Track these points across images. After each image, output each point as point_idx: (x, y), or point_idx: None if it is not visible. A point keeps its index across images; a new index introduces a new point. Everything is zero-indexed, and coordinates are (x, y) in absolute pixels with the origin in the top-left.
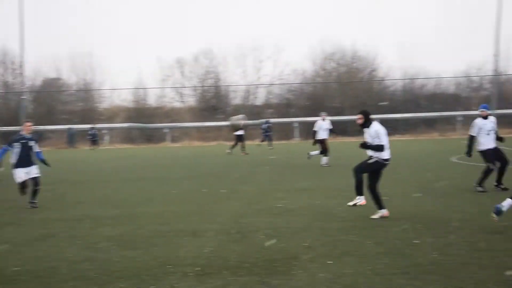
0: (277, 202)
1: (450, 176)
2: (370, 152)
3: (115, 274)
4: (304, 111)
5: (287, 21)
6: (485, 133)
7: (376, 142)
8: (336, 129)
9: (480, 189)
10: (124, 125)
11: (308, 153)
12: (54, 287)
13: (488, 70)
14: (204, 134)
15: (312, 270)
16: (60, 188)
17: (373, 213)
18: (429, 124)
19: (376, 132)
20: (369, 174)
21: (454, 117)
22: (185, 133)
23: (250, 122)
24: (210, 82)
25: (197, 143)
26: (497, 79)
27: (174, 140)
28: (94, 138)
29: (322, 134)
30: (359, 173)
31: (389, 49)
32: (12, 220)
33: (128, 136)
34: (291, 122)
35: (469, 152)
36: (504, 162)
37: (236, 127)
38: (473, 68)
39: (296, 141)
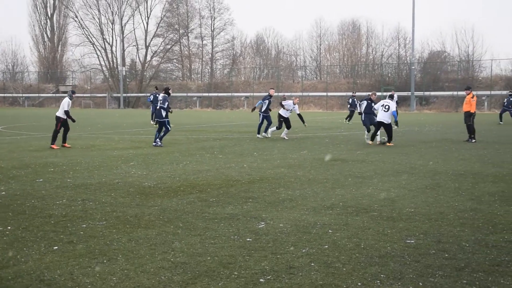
0: None
1: None
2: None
3: (499, 226)
4: None
5: None
6: None
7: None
8: None
9: None
10: (503, 93)
11: None
12: (444, 226)
13: None
14: None
15: None
16: (447, 145)
17: None
18: None
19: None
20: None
21: None
22: None
23: None
24: None
25: None
26: None
27: None
28: None
29: None
30: None
31: None
32: (406, 170)
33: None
34: None
35: None
36: None
37: None
38: None
39: None
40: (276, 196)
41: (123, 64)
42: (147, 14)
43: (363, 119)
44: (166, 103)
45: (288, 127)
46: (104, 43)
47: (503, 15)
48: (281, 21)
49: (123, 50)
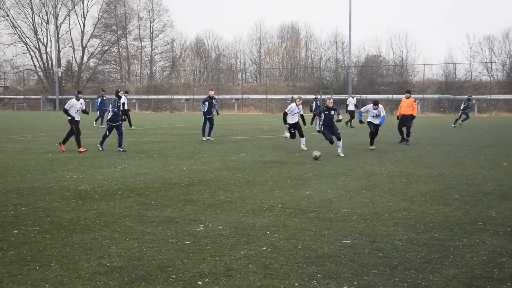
0: None
1: None
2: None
3: (430, 225)
4: None
5: None
6: None
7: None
8: None
9: None
10: (434, 96)
11: None
12: (379, 226)
13: None
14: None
15: None
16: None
17: None
18: None
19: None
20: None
21: None
22: (493, 105)
23: None
24: None
25: (504, 115)
26: None
27: (480, 111)
28: None
29: None
30: None
31: None
32: (343, 171)
33: (438, 106)
34: None
35: None
36: None
37: None
38: None
39: None
40: (215, 199)
41: (59, 66)
42: (84, 15)
43: (323, 131)
44: (114, 106)
45: (301, 135)
46: (38, 43)
47: (434, 21)
48: (221, 24)
49: (59, 51)
